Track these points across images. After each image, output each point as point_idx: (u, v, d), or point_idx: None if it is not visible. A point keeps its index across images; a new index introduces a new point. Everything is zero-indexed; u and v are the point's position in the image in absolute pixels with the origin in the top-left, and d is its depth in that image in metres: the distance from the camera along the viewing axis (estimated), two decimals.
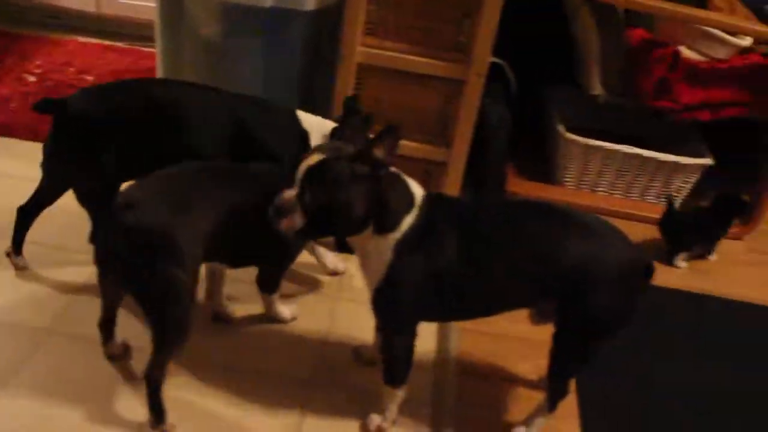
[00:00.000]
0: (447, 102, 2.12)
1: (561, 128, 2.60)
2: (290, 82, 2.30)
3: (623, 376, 1.93)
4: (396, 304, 1.50)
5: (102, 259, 1.51)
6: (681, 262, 2.43)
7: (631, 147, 2.58)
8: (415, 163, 2.10)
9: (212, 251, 1.56)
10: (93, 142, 1.70)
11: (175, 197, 1.49)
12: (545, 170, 2.76)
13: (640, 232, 2.48)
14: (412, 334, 1.54)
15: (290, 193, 1.38)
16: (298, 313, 1.93)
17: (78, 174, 1.75)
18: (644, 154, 2.58)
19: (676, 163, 2.60)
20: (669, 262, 2.42)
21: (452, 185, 2.20)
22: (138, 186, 1.53)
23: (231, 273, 1.83)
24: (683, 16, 2.39)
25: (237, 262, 1.74)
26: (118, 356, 1.71)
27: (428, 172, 2.21)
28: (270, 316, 1.90)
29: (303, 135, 1.81)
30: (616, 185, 2.68)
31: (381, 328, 1.67)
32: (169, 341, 1.50)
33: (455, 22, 2.06)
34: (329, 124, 1.82)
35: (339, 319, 1.96)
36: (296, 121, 1.83)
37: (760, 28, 2.40)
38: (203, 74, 2.26)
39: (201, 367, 1.73)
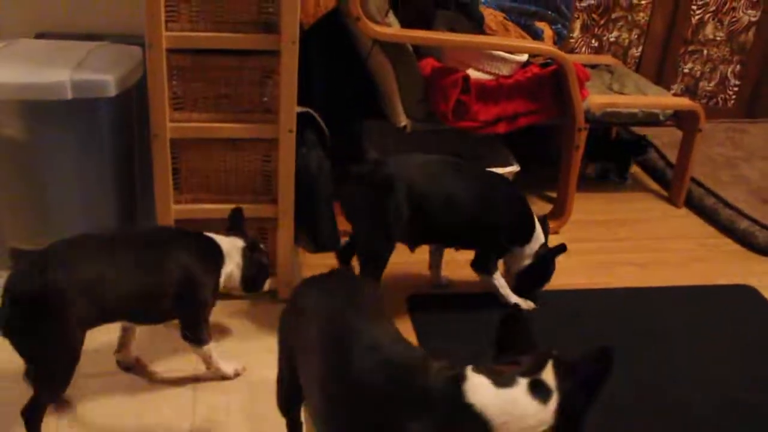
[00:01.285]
0: (265, 161, 2.20)
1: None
2: (104, 168, 2.28)
3: None
4: None
5: None
6: None
7: None
8: (250, 222, 2.15)
9: None
10: None
11: None
12: None
13: None
14: None
15: None
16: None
17: None
18: None
19: None
20: None
21: (285, 238, 2.27)
22: None
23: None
24: (466, 45, 2.62)
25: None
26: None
27: (262, 230, 2.27)
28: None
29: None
30: None
31: None
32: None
33: (258, 84, 2.14)
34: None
35: None
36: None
37: (534, 45, 2.67)
38: (12, 175, 2.21)
39: None
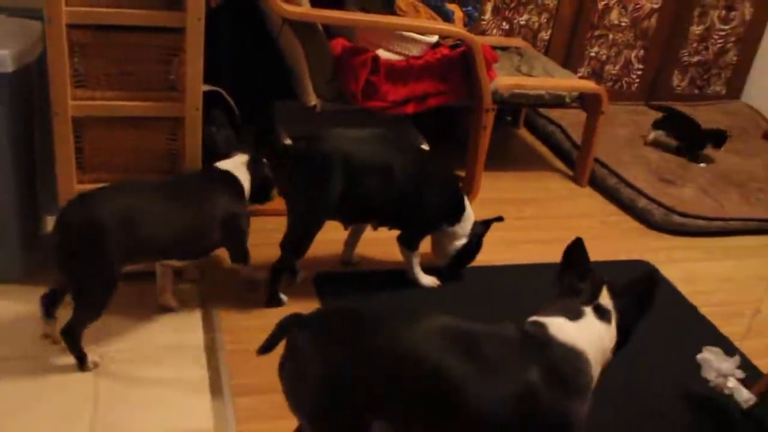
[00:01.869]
0: (170, 139, 2.17)
1: (288, 141, 2.74)
2: (1, 146, 2.21)
3: None
4: None
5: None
6: None
7: None
8: None
9: None
10: None
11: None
12: None
13: None
14: None
15: None
16: None
17: None
18: None
19: None
20: None
21: None
22: None
23: None
24: (376, 25, 2.64)
25: None
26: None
27: None
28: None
29: None
30: None
31: None
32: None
33: (163, 62, 2.11)
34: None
35: None
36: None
37: (442, 26, 2.71)
38: None
39: None
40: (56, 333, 1.94)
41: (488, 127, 2.87)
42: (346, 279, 2.46)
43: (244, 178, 2.19)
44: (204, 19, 2.04)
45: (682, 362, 2.22)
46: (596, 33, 4.08)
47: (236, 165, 2.20)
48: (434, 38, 2.81)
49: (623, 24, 4.10)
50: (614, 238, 2.98)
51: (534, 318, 1.52)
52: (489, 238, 2.51)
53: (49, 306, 1.96)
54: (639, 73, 4.29)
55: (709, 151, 3.60)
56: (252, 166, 2.21)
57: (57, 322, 1.95)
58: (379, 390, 1.44)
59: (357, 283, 2.45)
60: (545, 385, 1.42)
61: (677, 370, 2.21)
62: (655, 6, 4.10)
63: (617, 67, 4.23)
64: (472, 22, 3.16)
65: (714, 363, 2.08)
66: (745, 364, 2.26)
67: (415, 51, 2.76)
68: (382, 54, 2.71)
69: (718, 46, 4.39)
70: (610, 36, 4.13)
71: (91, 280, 1.88)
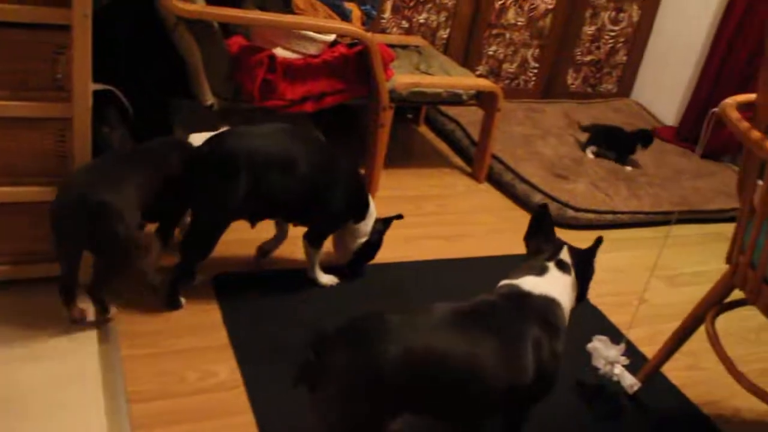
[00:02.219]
0: (59, 141, 2.10)
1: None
2: None
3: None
4: None
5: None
6: None
7: None
8: (44, 205, 2.06)
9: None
10: None
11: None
12: None
13: None
14: None
15: None
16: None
17: None
18: None
19: None
20: None
21: None
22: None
23: None
24: (273, 24, 2.63)
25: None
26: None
27: None
28: None
29: None
30: None
31: None
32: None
33: (49, 61, 2.04)
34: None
35: None
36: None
37: (339, 25, 2.72)
38: None
39: None
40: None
41: (386, 125, 2.90)
42: (245, 281, 2.44)
43: None
44: (91, 16, 1.98)
45: (573, 351, 2.31)
46: (494, 32, 4.18)
47: None
48: (332, 37, 2.82)
49: (519, 23, 4.22)
50: (512, 232, 3.06)
51: (505, 282, 1.76)
52: (389, 235, 2.54)
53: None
54: (535, 71, 4.42)
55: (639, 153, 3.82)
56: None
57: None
58: (417, 390, 1.54)
59: (256, 284, 2.43)
60: (545, 335, 1.65)
61: (569, 360, 2.29)
62: (550, 6, 4.23)
63: (514, 66, 4.35)
64: (370, 21, 3.19)
65: (602, 351, 2.17)
66: (633, 352, 2.38)
67: (312, 50, 2.76)
68: (280, 53, 2.70)
69: (609, 45, 4.57)
70: (507, 35, 4.23)
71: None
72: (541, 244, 1.82)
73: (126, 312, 2.19)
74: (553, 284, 1.75)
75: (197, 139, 2.24)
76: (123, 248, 2.04)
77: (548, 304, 1.70)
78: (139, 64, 3.06)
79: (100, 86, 2.48)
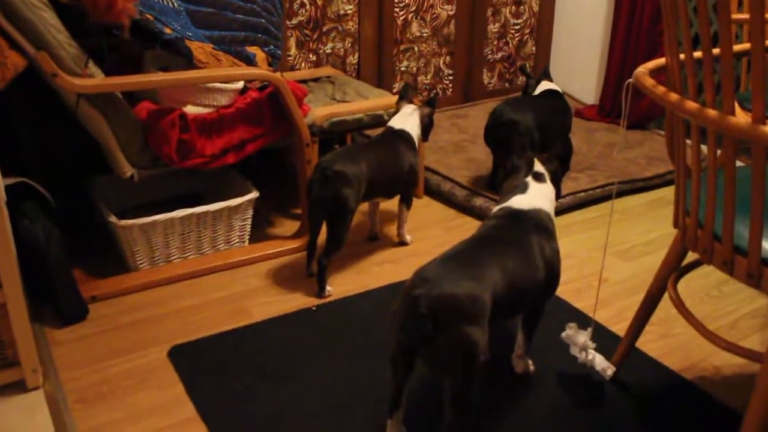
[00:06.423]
0: None
1: (112, 218, 2.60)
2: None
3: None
4: None
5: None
6: None
7: (184, 210, 2.68)
8: None
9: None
10: None
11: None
12: (118, 261, 2.75)
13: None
14: None
15: None
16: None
17: None
18: (197, 212, 2.70)
19: (228, 207, 2.77)
20: None
21: (19, 324, 2.07)
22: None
23: None
24: (178, 82, 2.55)
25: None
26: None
27: None
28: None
29: None
30: (186, 248, 2.77)
31: None
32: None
33: None
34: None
35: None
36: None
37: (244, 71, 2.67)
38: None
39: None
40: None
41: (312, 160, 2.85)
42: (202, 346, 2.35)
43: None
44: None
45: (549, 344, 2.29)
46: (402, 48, 4.18)
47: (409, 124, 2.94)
48: (240, 84, 2.76)
49: (425, 35, 4.23)
50: (458, 240, 3.03)
51: (498, 207, 2.05)
52: (339, 269, 2.48)
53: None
54: (450, 78, 4.43)
55: None
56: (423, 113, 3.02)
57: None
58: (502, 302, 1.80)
59: (212, 348, 2.34)
60: (545, 240, 1.95)
61: (545, 353, 2.27)
62: (451, 13, 4.26)
63: (429, 77, 4.36)
64: (276, 61, 3.13)
65: (573, 338, 2.14)
66: (605, 333, 2.36)
67: (223, 100, 2.70)
68: (191, 110, 2.63)
69: (517, 39, 4.62)
70: (416, 48, 4.24)
71: (343, 219, 2.60)
72: (515, 160, 2.13)
73: (83, 406, 2.08)
74: (537, 197, 2.04)
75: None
76: (350, 210, 2.56)
77: (538, 213, 1.99)
78: (49, 149, 2.97)
79: (12, 180, 2.38)
